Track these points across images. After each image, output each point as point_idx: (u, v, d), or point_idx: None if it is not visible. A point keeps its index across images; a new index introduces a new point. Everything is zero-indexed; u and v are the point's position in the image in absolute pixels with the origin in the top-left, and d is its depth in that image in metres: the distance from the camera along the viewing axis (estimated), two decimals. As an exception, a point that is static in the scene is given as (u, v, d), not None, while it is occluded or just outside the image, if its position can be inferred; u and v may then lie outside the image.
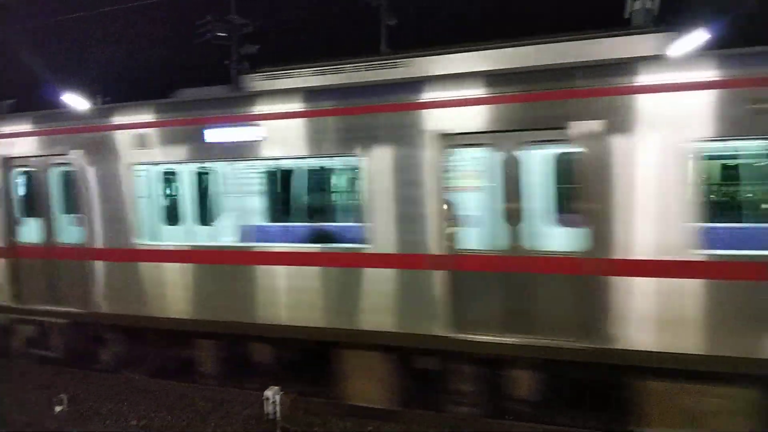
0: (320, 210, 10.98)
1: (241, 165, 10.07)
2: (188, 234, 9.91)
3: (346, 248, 7.57)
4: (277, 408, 7.47)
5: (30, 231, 9.72)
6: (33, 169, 9.53)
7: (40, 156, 9.35)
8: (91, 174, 8.84)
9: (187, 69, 25.21)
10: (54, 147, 9.16)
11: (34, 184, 9.62)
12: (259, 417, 7.61)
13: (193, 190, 10.10)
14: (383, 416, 7.58)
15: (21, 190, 9.90)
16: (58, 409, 8.20)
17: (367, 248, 7.29)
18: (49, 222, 9.44)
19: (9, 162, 9.58)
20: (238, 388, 8.55)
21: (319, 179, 11.43)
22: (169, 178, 9.92)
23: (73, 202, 9.33)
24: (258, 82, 8.53)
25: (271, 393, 7.50)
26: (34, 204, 9.70)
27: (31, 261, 9.53)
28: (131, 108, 8.70)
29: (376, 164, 7.17)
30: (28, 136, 9.37)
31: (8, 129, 9.58)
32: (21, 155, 9.46)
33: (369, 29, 21.68)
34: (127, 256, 8.66)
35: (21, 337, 9.97)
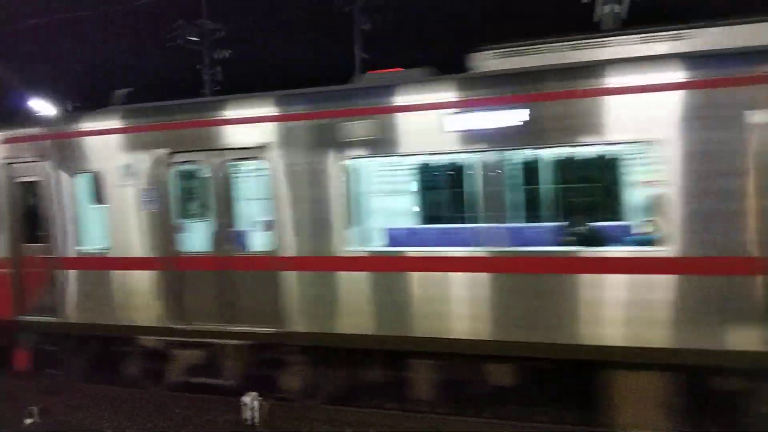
0: (583, 206, 9.19)
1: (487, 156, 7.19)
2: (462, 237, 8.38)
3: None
4: (256, 414, 7.41)
5: (196, 238, 8.33)
6: (202, 166, 8.09)
7: (214, 150, 7.94)
8: (289, 171, 7.52)
9: (160, 73, 25.04)
10: (235, 140, 7.83)
11: (203, 182, 8.17)
12: (237, 423, 7.54)
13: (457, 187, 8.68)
14: (362, 420, 7.57)
15: (183, 190, 8.47)
16: (28, 421, 7.98)
17: (662, 251, 6.21)
18: (224, 227, 8.04)
19: (169, 158, 8.16)
20: (219, 396, 8.38)
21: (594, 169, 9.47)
22: (405, 174, 8.94)
23: (256, 203, 8.31)
24: (492, 61, 7.48)
25: (249, 399, 7.44)
26: (203, 207, 8.31)
27: (198, 273, 8.09)
28: (349, 92, 7.47)
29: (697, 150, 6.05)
30: (194, 127, 8.02)
31: (167, 118, 8.19)
32: (186, 150, 8.07)
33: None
34: (348, 264, 7.36)
35: (182, 363, 8.51)
